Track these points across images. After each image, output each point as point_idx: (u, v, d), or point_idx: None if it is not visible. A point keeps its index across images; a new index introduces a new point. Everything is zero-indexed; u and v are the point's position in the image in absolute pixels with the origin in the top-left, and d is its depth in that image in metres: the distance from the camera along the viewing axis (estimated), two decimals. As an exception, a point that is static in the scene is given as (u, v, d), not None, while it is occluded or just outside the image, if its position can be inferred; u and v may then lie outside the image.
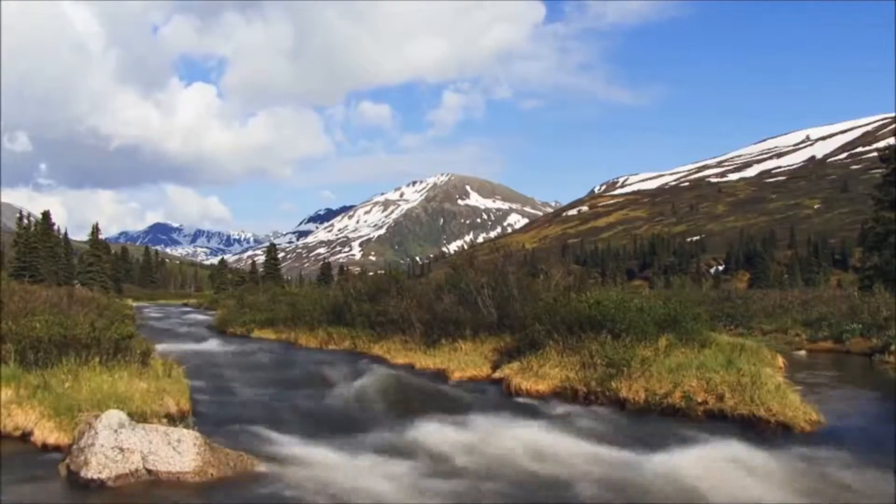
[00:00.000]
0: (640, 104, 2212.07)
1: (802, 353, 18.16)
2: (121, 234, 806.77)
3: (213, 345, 21.64)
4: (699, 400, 9.59)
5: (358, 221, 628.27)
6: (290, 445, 7.78)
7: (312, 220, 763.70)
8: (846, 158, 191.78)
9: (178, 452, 6.72)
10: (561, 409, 10.21)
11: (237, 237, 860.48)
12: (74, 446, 6.95)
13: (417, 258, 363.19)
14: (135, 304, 54.93)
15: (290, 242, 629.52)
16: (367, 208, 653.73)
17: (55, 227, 77.30)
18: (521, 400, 11.11)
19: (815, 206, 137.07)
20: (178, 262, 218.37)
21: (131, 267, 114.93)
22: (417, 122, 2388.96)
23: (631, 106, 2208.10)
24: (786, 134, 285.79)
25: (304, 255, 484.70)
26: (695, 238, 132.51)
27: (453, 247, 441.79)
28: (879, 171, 33.15)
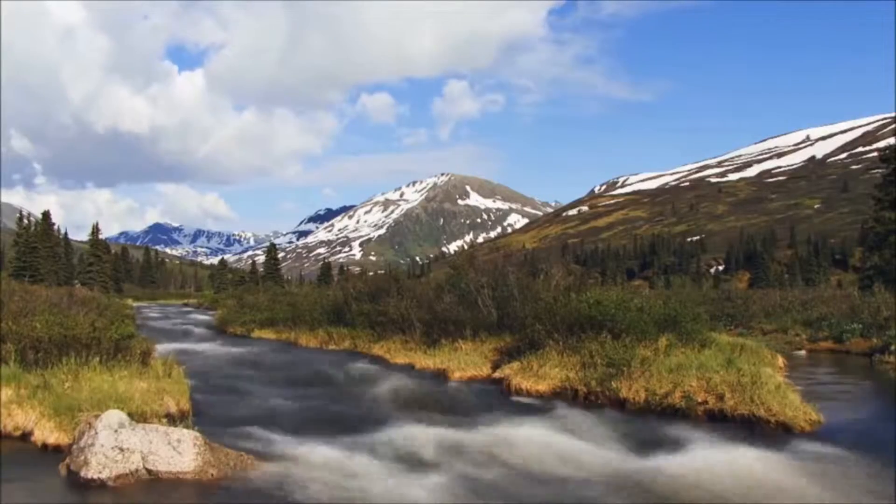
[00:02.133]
0: (640, 99, 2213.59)
1: (802, 353, 18.15)
2: (121, 234, 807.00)
3: (213, 345, 21.63)
4: (699, 400, 9.59)
5: (358, 221, 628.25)
6: (291, 445, 7.77)
7: (312, 220, 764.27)
8: (846, 158, 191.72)
9: (178, 452, 6.72)
10: (561, 409, 10.19)
11: (237, 237, 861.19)
12: (74, 446, 6.95)
13: (417, 258, 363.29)
14: (135, 303, 54.90)
15: (290, 242, 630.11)
16: (367, 208, 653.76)
17: (55, 227, 77.37)
18: (521, 400, 11.12)
19: (815, 206, 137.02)
20: (178, 262, 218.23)
21: (131, 267, 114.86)
22: (419, 121, 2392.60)
23: (631, 101, 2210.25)
24: (786, 134, 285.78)
25: (304, 255, 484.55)
26: (695, 238, 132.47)
27: (453, 247, 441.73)
28: (879, 171, 33.15)
